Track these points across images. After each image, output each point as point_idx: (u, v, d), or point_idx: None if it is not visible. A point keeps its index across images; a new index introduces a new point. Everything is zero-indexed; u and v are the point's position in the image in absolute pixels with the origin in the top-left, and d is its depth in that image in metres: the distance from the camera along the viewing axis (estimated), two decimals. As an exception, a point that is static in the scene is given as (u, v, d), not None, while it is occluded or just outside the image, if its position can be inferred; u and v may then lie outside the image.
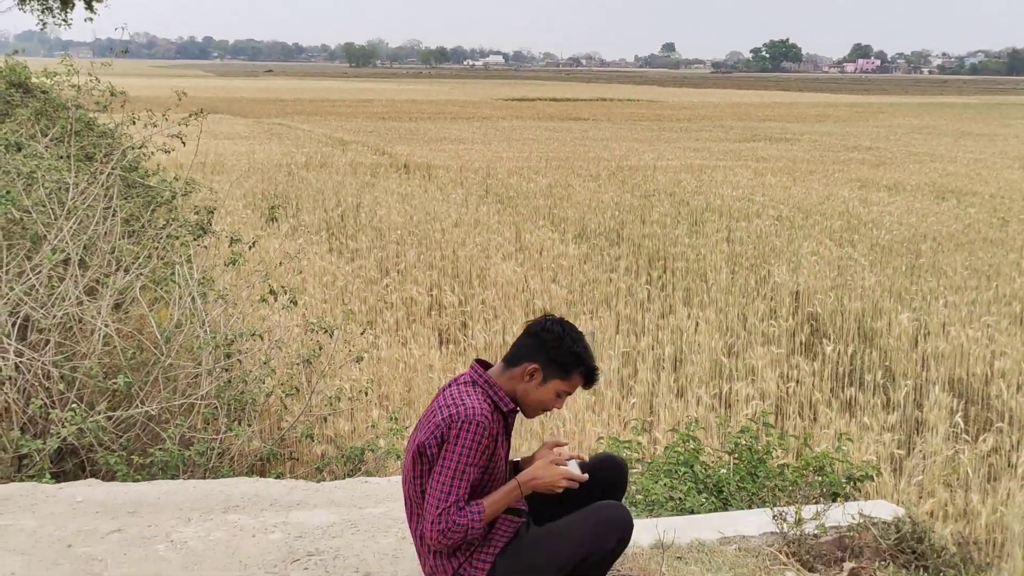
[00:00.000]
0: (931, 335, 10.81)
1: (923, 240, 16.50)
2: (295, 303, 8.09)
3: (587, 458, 3.26)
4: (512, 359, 3.17)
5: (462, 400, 3.04)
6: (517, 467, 3.32)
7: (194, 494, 4.35)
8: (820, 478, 5.60)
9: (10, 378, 5.77)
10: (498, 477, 3.14)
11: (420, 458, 3.05)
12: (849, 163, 30.66)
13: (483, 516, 3.01)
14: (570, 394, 3.23)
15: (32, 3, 21.21)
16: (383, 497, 4.34)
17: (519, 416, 3.26)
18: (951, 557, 4.19)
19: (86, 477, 5.01)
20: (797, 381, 9.42)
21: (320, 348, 7.35)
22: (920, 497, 7.02)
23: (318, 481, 4.84)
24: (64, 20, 21.63)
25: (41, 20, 21.74)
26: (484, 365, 3.21)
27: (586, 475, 3.16)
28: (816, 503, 4.72)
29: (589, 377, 3.20)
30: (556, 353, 3.12)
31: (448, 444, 2.98)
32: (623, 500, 3.43)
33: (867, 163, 30.75)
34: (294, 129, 42.21)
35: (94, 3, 21.41)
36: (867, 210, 19.88)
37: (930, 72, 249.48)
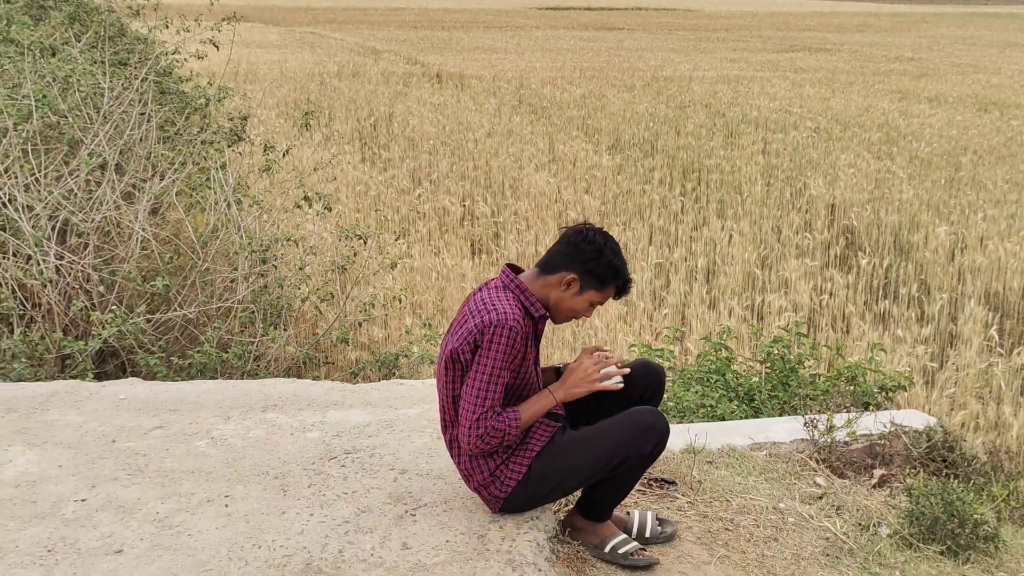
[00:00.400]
0: (968, 248, 10.70)
1: (963, 153, 16.21)
2: (329, 209, 8.12)
3: (625, 360, 3.26)
4: (547, 266, 3.15)
5: (493, 305, 3.03)
6: (559, 373, 3.34)
7: (233, 393, 4.43)
8: (852, 388, 5.61)
9: (51, 280, 5.87)
10: (529, 382, 3.16)
11: (453, 364, 3.07)
12: (890, 74, 30.04)
13: (520, 422, 3.05)
14: (602, 304, 3.23)
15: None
16: (418, 399, 4.40)
17: (549, 324, 3.27)
18: (981, 465, 4.21)
19: (127, 378, 5.11)
20: (831, 294, 9.39)
21: (354, 255, 7.39)
22: (952, 409, 7.02)
23: (354, 383, 4.91)
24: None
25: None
26: (515, 270, 3.20)
27: (626, 370, 3.19)
28: (847, 412, 4.74)
29: (623, 290, 3.20)
30: (595, 265, 3.09)
31: (482, 350, 2.98)
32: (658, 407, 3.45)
33: (908, 74, 30.11)
34: (326, 38, 41.84)
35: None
36: (907, 122, 19.52)
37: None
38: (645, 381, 3.31)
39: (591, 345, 3.32)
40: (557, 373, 3.33)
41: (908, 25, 61.23)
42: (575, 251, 3.11)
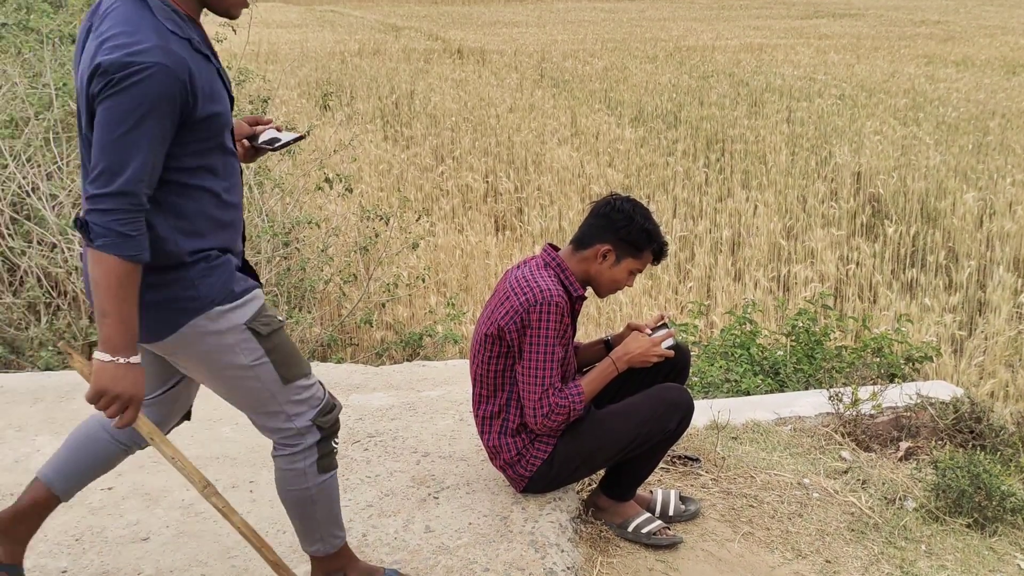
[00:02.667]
0: (997, 215, 10.57)
1: (991, 117, 15.98)
2: (350, 191, 8.12)
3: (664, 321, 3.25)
4: (581, 240, 3.14)
5: (536, 282, 3.02)
6: (608, 345, 3.34)
7: (257, 378, 4.44)
8: (878, 359, 5.57)
9: (77, 268, 5.91)
10: (568, 362, 3.16)
11: (498, 340, 3.06)
12: (916, 38, 29.61)
13: (583, 396, 3.05)
14: (641, 271, 3.22)
15: None
16: (440, 380, 4.40)
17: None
18: (1010, 436, 4.16)
19: (153, 363, 5.13)
20: (857, 263, 9.31)
21: (377, 236, 7.40)
22: (980, 378, 6.96)
23: (377, 365, 4.92)
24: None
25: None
26: (555, 249, 3.20)
27: (675, 340, 3.20)
28: (873, 384, 4.70)
29: (659, 253, 3.18)
30: (627, 232, 3.09)
31: (531, 330, 2.98)
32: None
33: (935, 38, 29.67)
34: (346, 16, 41.75)
35: None
36: (933, 87, 19.25)
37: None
38: (671, 360, 3.30)
39: (633, 322, 3.30)
40: (607, 345, 3.33)
41: (935, -13, 60.31)
42: (606, 222, 3.11)
